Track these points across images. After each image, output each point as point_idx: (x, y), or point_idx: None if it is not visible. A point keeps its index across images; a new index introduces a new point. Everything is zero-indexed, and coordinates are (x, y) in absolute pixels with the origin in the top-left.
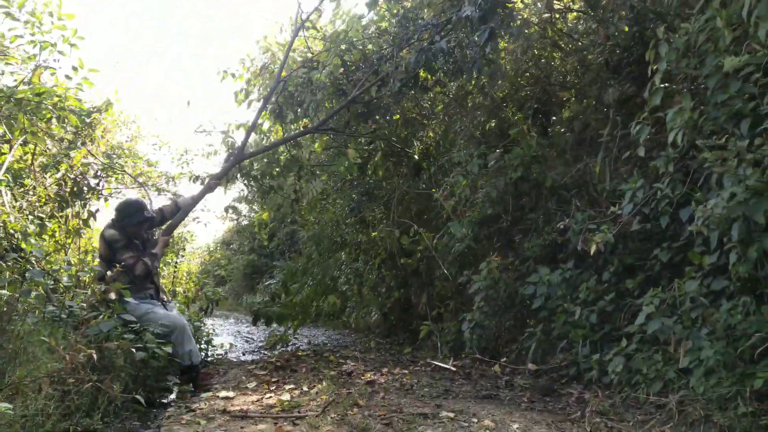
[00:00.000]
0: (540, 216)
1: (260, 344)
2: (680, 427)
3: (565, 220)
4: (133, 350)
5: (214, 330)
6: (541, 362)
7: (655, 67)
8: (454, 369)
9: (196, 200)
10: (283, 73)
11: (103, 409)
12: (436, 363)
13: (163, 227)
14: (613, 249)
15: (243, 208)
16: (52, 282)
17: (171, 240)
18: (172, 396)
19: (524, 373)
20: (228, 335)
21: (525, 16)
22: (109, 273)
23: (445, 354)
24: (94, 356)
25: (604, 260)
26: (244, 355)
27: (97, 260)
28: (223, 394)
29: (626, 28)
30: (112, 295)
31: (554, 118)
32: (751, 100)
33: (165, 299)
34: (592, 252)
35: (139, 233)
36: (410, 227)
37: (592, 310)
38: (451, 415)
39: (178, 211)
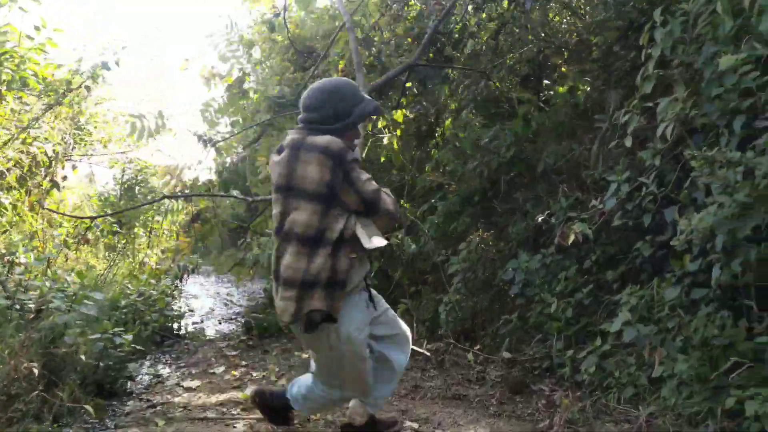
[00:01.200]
0: (528, 198)
1: (239, 310)
2: None
3: (550, 206)
4: (84, 348)
5: (191, 299)
6: (516, 351)
7: (649, 52)
8: (428, 354)
9: None
10: None
11: (55, 412)
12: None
13: None
14: (596, 238)
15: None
16: (6, 268)
17: None
18: (139, 380)
19: (498, 363)
20: (207, 297)
21: None
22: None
23: (421, 334)
24: (35, 371)
25: (587, 249)
26: (220, 323)
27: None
28: (187, 383)
29: None
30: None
31: (547, 82)
32: (748, 97)
33: None
34: (569, 243)
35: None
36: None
37: (568, 302)
38: (415, 425)
39: None
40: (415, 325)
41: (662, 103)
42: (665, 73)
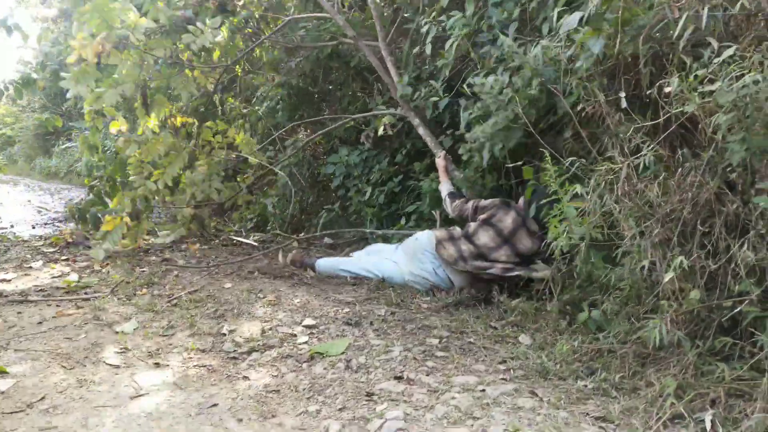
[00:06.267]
0: (346, 95)
1: (55, 215)
2: None
3: (367, 104)
4: None
5: None
6: (337, 237)
7: None
8: (255, 244)
9: None
10: None
11: None
12: (237, 238)
13: None
14: (408, 133)
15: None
16: None
17: None
18: None
19: (319, 247)
20: (16, 205)
21: None
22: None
23: (249, 230)
24: None
25: (399, 143)
26: (33, 228)
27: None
28: (1, 276)
29: None
30: None
31: None
32: (521, 5)
33: None
34: (379, 134)
35: None
36: None
37: (382, 191)
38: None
39: None
40: (245, 220)
41: (451, 21)
42: None
